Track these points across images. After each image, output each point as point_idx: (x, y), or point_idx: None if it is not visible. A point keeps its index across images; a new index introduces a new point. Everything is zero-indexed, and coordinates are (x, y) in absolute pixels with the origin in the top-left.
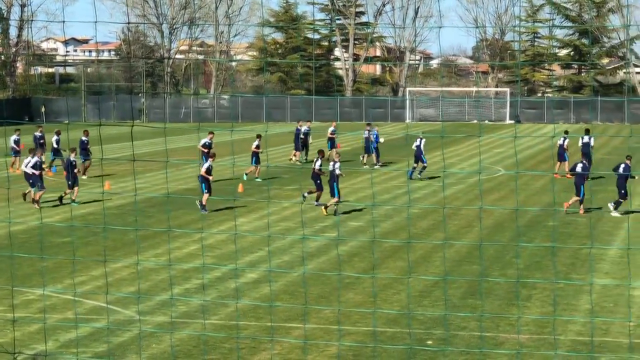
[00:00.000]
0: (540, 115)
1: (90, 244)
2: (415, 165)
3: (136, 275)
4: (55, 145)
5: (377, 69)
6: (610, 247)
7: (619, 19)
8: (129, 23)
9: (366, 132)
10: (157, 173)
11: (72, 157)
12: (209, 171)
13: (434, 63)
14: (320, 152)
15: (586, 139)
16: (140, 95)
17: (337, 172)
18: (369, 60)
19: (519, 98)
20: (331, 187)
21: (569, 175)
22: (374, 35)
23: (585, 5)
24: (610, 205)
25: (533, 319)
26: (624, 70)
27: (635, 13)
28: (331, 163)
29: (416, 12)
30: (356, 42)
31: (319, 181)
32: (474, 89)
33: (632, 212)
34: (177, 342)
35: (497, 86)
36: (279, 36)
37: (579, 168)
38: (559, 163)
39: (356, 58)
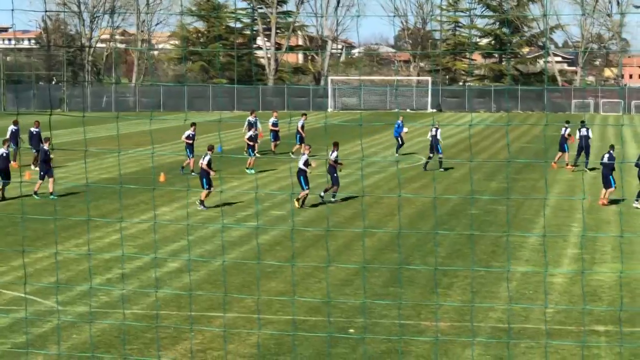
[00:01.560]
0: (462, 104)
1: (10, 234)
2: (431, 155)
3: (57, 265)
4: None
5: (299, 57)
6: (529, 235)
7: (538, 8)
8: (48, 11)
9: (300, 121)
10: (79, 162)
11: (46, 146)
12: (209, 164)
13: (356, 52)
14: (335, 144)
15: (584, 131)
16: (60, 84)
17: (301, 165)
18: (291, 49)
19: (440, 87)
20: (299, 180)
21: (568, 167)
22: (296, 24)
23: None
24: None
25: (454, 306)
26: (544, 59)
27: (555, 2)
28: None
29: (338, 1)
30: (278, 31)
31: (335, 174)
32: (396, 77)
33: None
34: (98, 332)
35: (418, 75)
36: (200, 25)
37: (605, 159)
38: (559, 153)
39: (278, 47)
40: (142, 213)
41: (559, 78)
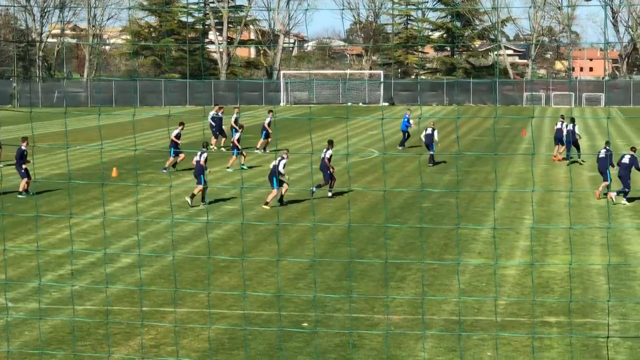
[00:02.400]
0: (414, 97)
1: None
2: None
3: (7, 262)
4: None
5: (251, 52)
6: (481, 227)
7: (489, 1)
8: None
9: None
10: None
11: (24, 146)
12: (205, 161)
13: (308, 46)
14: (330, 142)
15: (570, 127)
16: (11, 79)
17: (281, 169)
18: (243, 43)
19: (392, 80)
20: (270, 180)
21: (555, 159)
22: (248, 18)
23: None
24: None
25: (408, 299)
26: (496, 52)
27: None
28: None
29: None
30: (230, 25)
31: (328, 171)
32: (348, 71)
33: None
34: (50, 329)
35: (371, 68)
36: (152, 20)
37: (602, 154)
38: (557, 146)
39: (230, 41)
40: (94, 208)
41: (510, 71)
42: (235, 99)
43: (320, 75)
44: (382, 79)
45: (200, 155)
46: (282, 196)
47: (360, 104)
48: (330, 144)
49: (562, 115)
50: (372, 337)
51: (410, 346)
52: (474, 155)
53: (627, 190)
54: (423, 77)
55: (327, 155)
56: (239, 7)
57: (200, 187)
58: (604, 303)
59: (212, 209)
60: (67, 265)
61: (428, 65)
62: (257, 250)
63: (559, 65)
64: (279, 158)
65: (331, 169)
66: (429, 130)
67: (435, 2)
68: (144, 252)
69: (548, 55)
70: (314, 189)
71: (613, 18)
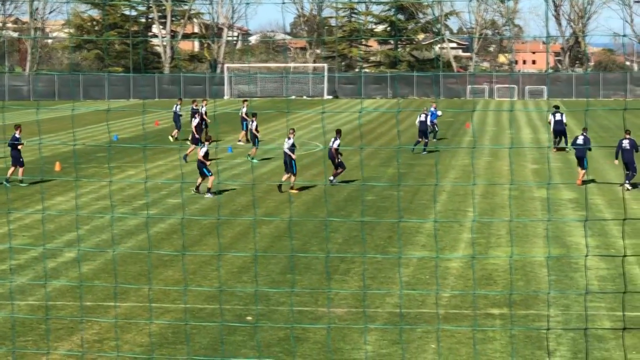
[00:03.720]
0: (357, 91)
1: None
2: (426, 140)
3: None
4: None
5: (195, 45)
6: (423, 221)
7: None
8: None
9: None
10: None
11: (18, 134)
12: (206, 155)
13: (252, 39)
14: (338, 132)
15: (558, 116)
16: None
17: (286, 149)
18: (186, 37)
19: (336, 74)
20: (290, 165)
21: (553, 150)
22: (192, 12)
23: None
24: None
25: (352, 292)
26: (439, 46)
27: None
28: (286, 140)
29: None
30: (173, 18)
31: (337, 160)
32: (292, 64)
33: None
34: None
35: (314, 62)
36: (95, 13)
37: (580, 141)
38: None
39: (174, 35)
40: (37, 203)
41: (453, 64)
42: (178, 92)
43: (264, 68)
44: (325, 72)
45: (201, 149)
46: (292, 186)
47: (304, 97)
48: (338, 133)
49: (555, 106)
50: (317, 331)
51: (355, 339)
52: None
53: (634, 174)
54: (366, 70)
55: (335, 145)
56: (183, 1)
57: (212, 177)
58: (549, 295)
59: (155, 202)
60: (9, 260)
61: (372, 58)
62: (202, 244)
63: (502, 58)
64: (285, 139)
65: (339, 158)
66: (423, 117)
67: None
68: (87, 246)
69: (491, 49)
70: (333, 180)
71: (555, 11)
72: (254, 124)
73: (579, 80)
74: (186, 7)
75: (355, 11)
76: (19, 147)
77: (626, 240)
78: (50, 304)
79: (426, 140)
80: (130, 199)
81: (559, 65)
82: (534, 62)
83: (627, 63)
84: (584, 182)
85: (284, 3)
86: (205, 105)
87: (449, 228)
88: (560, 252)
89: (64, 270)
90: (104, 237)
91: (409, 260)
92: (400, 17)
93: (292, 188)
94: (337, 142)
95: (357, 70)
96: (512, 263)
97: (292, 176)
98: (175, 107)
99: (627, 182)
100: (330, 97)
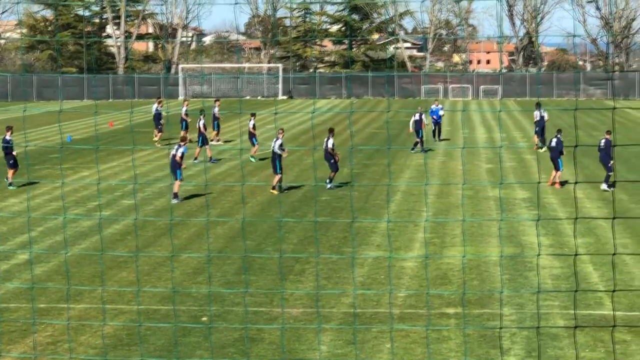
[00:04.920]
0: (312, 91)
1: None
2: (418, 139)
3: None
4: None
5: (149, 46)
6: (377, 221)
7: None
8: None
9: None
10: None
11: (8, 136)
12: (182, 157)
13: (207, 40)
14: (331, 130)
15: (542, 113)
16: None
17: (277, 149)
18: (140, 37)
19: (291, 74)
20: (275, 165)
21: (535, 148)
22: (146, 12)
23: None
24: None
25: (307, 293)
26: (394, 46)
27: None
28: (274, 140)
29: None
30: (127, 19)
31: (332, 160)
32: (246, 65)
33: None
34: None
35: (269, 62)
36: (48, 13)
37: (553, 143)
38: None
39: (128, 35)
40: None
41: (408, 64)
42: (133, 93)
43: (219, 69)
44: (280, 73)
45: (177, 150)
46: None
47: (259, 97)
48: (331, 132)
49: (538, 103)
50: (272, 331)
51: (310, 339)
52: (372, 148)
53: (609, 174)
54: (321, 70)
55: (330, 145)
56: (137, 1)
57: (178, 182)
58: (503, 294)
59: (109, 203)
60: None
61: (326, 58)
62: (156, 245)
63: (456, 58)
64: (274, 139)
65: (336, 157)
66: (417, 117)
67: None
68: (41, 248)
69: (445, 48)
70: (329, 184)
71: (509, 11)
72: (252, 123)
73: (532, 80)
74: (140, 8)
75: (310, 11)
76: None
77: (579, 239)
78: (3, 306)
79: (417, 140)
80: (85, 200)
81: (513, 65)
82: (488, 61)
83: (580, 63)
84: (561, 184)
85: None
86: (187, 105)
87: (404, 228)
88: (515, 252)
89: (17, 273)
90: (57, 239)
91: (364, 260)
92: (355, 17)
93: (273, 188)
94: (331, 141)
95: (311, 70)
96: (465, 263)
97: (276, 176)
98: (155, 108)
99: (604, 182)
100: (285, 97)
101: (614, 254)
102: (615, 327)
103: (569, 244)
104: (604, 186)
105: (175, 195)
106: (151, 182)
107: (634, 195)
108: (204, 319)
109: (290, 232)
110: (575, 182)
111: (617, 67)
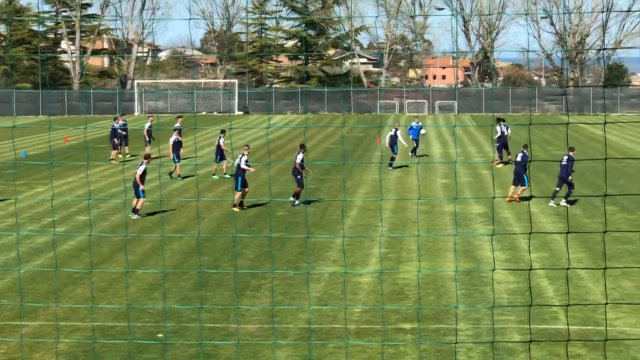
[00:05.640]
0: (268, 106)
1: None
2: (393, 154)
3: None
4: None
5: (104, 61)
6: (333, 236)
7: (343, 10)
8: None
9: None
10: None
11: None
12: (143, 175)
13: (162, 55)
14: (302, 146)
15: (503, 129)
16: None
17: (243, 165)
18: (96, 52)
19: (247, 89)
20: (237, 181)
21: (495, 163)
22: (101, 28)
23: None
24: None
25: (263, 308)
26: (350, 61)
27: (360, 5)
28: (239, 156)
29: (143, 4)
30: (83, 34)
31: (299, 177)
32: (202, 80)
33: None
34: None
35: (225, 77)
36: (2, 28)
37: (519, 157)
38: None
39: (83, 50)
40: None
41: (364, 79)
42: (89, 108)
43: (175, 84)
44: (236, 88)
45: (139, 168)
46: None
47: (215, 112)
48: (302, 148)
49: (502, 119)
50: (228, 347)
51: (267, 355)
52: (328, 164)
53: (571, 190)
54: (277, 85)
55: (298, 160)
56: (92, 16)
57: (142, 200)
58: (459, 309)
59: (64, 220)
60: None
61: (282, 74)
62: (112, 261)
63: (412, 73)
64: (239, 155)
65: (306, 173)
66: (393, 132)
67: (289, 11)
68: None
69: (401, 64)
70: (294, 200)
71: (464, 27)
72: (222, 139)
73: (488, 95)
74: (95, 23)
75: (266, 27)
76: None
77: (534, 253)
78: None
79: (393, 155)
80: (39, 216)
81: (469, 80)
82: (444, 77)
83: (535, 78)
84: (520, 199)
85: (190, 19)
86: (151, 121)
87: (360, 243)
88: (471, 266)
89: None
90: (12, 255)
91: (321, 276)
92: (311, 32)
93: (235, 205)
94: (301, 156)
95: (267, 85)
96: (420, 278)
97: (237, 193)
98: (116, 124)
99: (562, 198)
100: (241, 112)
101: (568, 269)
102: (570, 341)
103: (525, 259)
104: (555, 202)
105: (135, 211)
106: (106, 198)
107: (588, 210)
108: (160, 335)
109: (247, 248)
110: (530, 197)
111: (571, 82)
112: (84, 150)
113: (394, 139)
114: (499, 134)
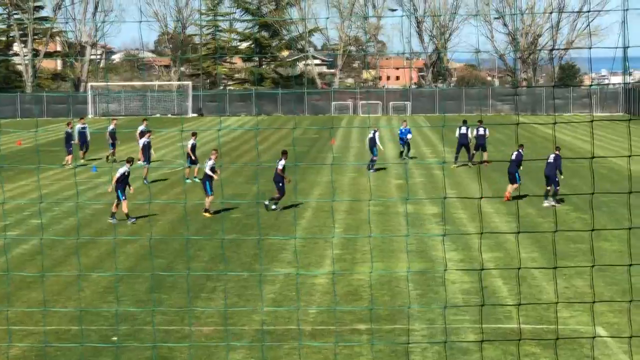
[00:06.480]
0: (223, 108)
1: None
2: (373, 156)
3: None
4: None
5: (58, 64)
6: (287, 238)
7: (297, 11)
8: None
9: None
10: None
11: None
12: (121, 177)
13: (116, 57)
14: (284, 152)
15: (481, 130)
16: None
17: (208, 171)
18: (49, 55)
19: (201, 91)
20: (204, 186)
21: (486, 165)
22: (54, 30)
23: None
24: (547, 202)
25: (218, 310)
26: (304, 62)
27: (313, 6)
28: (207, 160)
29: (96, 7)
30: (35, 36)
31: (281, 184)
32: (156, 82)
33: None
34: None
35: (179, 79)
36: None
37: (514, 156)
38: (474, 152)
39: (36, 53)
40: None
41: (318, 81)
42: (42, 111)
43: (129, 86)
44: (190, 90)
45: (118, 171)
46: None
47: (169, 115)
48: (284, 154)
49: (479, 120)
50: (183, 349)
51: (221, 357)
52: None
53: (557, 188)
54: (231, 87)
55: (280, 166)
56: (44, 19)
57: (125, 201)
58: (414, 309)
59: (18, 223)
60: None
61: (236, 75)
62: (66, 264)
63: (366, 74)
64: (206, 160)
65: (286, 180)
66: (372, 134)
67: (242, 13)
68: None
69: (355, 65)
70: (268, 203)
71: (418, 28)
72: (192, 142)
73: (441, 95)
74: (48, 26)
75: (219, 29)
76: None
77: (488, 253)
78: None
79: (373, 157)
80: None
81: (423, 81)
82: (397, 78)
83: (489, 78)
84: (514, 198)
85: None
86: (115, 124)
87: (315, 244)
88: (426, 267)
89: None
90: None
91: (276, 277)
92: (264, 34)
93: (206, 211)
94: (283, 162)
95: (221, 87)
96: (376, 279)
97: (208, 198)
98: (69, 128)
99: (551, 198)
100: (195, 114)
101: (519, 268)
102: (523, 340)
103: (479, 259)
104: (549, 202)
105: (128, 216)
106: (60, 202)
107: (542, 209)
108: (114, 338)
109: (202, 250)
110: (480, 197)
111: (525, 83)
112: (37, 153)
113: (373, 142)
114: (476, 134)
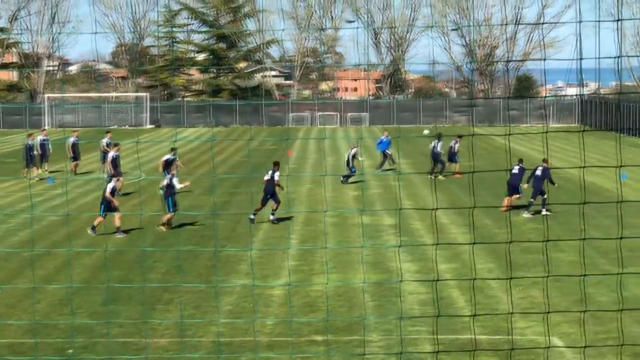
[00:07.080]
0: (180, 119)
1: None
2: (350, 170)
3: None
4: None
5: (13, 75)
6: (245, 250)
7: (254, 23)
8: None
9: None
10: None
11: None
12: (113, 192)
13: (73, 68)
14: (276, 164)
15: (451, 142)
16: None
17: (176, 184)
18: (5, 66)
19: (158, 103)
20: (166, 201)
21: (457, 175)
22: (10, 41)
23: (222, 10)
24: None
25: (175, 322)
26: (261, 74)
27: (270, 17)
28: (168, 176)
29: (53, 18)
30: None
31: (273, 193)
32: (113, 94)
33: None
34: None
35: (136, 91)
36: None
37: (515, 170)
38: (449, 163)
39: None
40: None
41: (275, 92)
42: None
43: (86, 98)
44: (147, 102)
45: (108, 185)
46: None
47: (126, 126)
48: (276, 165)
49: (459, 135)
50: None
51: None
52: (238, 177)
53: (531, 200)
54: (188, 99)
55: (276, 177)
56: (1, 30)
57: (118, 214)
58: (371, 320)
59: None
60: None
61: (194, 87)
62: (22, 276)
63: (323, 85)
64: (169, 176)
65: (278, 189)
66: (352, 151)
67: (199, 25)
68: None
69: (313, 76)
70: (254, 217)
71: (375, 39)
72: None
73: (398, 107)
74: (4, 37)
75: (176, 40)
76: None
77: (445, 264)
78: None
79: (351, 170)
80: None
81: (380, 92)
82: (355, 89)
83: (446, 90)
84: (514, 207)
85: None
86: (76, 136)
87: (273, 256)
88: (383, 278)
89: None
90: None
91: (233, 289)
92: (222, 45)
93: (163, 224)
94: (277, 173)
95: (178, 99)
96: (333, 290)
97: (167, 214)
98: (30, 140)
99: (542, 208)
100: (152, 126)
101: (473, 279)
102: (478, 350)
103: (435, 270)
104: (543, 211)
105: (118, 229)
106: (16, 213)
107: (499, 220)
108: (70, 351)
109: (159, 261)
110: (436, 208)
111: (481, 94)
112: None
113: (352, 158)
114: (452, 145)
